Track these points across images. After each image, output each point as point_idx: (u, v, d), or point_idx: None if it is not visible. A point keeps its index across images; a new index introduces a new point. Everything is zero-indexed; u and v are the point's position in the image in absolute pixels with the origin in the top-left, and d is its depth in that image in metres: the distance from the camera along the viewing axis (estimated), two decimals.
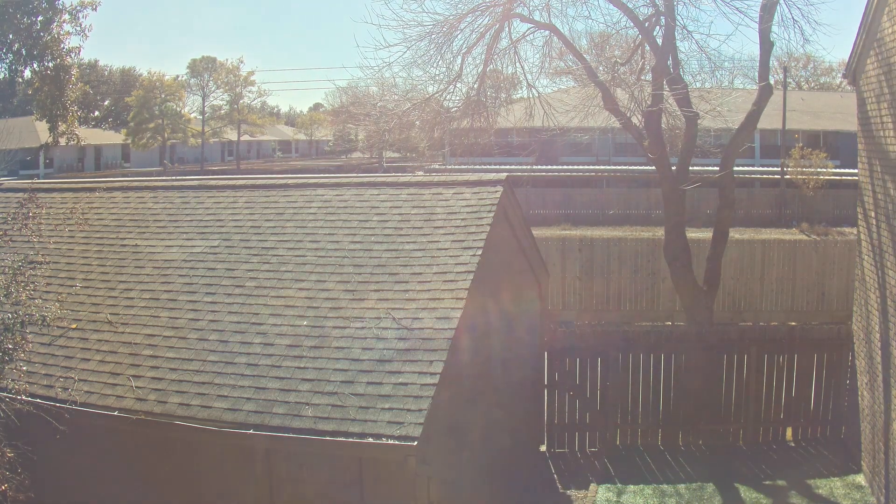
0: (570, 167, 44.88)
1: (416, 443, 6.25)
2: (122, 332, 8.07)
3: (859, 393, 12.21)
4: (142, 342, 7.89)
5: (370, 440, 6.37)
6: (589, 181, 42.92)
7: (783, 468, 12.17)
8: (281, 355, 7.39)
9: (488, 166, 36.37)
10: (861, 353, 12.20)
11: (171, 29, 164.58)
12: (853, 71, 12.52)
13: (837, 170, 37.51)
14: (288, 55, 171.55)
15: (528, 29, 14.48)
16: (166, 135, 64.99)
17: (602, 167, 45.16)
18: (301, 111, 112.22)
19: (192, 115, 71.93)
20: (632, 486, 11.70)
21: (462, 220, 8.77)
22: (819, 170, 35.79)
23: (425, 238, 8.62)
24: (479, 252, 8.16)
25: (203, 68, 71.92)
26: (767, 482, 11.72)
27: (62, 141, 13.93)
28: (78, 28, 13.28)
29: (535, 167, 39.35)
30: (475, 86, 14.20)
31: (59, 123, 13.44)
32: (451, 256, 8.23)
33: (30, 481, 6.40)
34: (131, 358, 7.69)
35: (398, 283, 8.02)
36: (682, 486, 11.68)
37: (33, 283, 7.34)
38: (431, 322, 7.40)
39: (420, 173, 29.43)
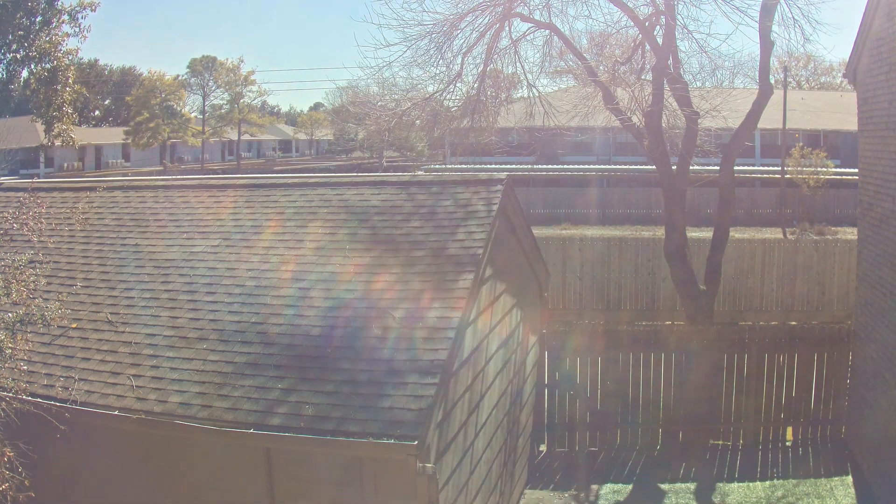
0: (571, 166, 44.92)
1: (416, 443, 6.24)
2: (123, 332, 8.06)
3: (859, 393, 12.21)
4: (142, 342, 7.87)
5: (370, 440, 6.36)
6: (589, 181, 42.96)
7: (783, 468, 12.17)
8: (281, 354, 7.39)
9: (488, 165, 36.39)
10: (861, 352, 12.20)
11: (171, 29, 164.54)
12: (854, 70, 12.52)
13: (838, 169, 37.53)
14: (288, 55, 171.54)
15: (529, 28, 14.48)
16: (166, 134, 64.98)
17: (602, 167, 45.20)
18: (301, 111, 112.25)
19: (193, 115, 71.91)
20: (632, 486, 11.71)
21: (462, 219, 8.76)
22: (819, 169, 35.80)
23: (426, 237, 8.61)
24: (480, 251, 8.16)
25: (203, 68, 71.90)
26: (768, 482, 11.73)
27: (57, 143, 13.91)
28: (77, 29, 13.26)
29: (535, 166, 39.44)
30: (475, 85, 14.19)
31: (55, 125, 13.40)
32: (451, 256, 8.23)
33: (30, 481, 6.39)
34: (132, 357, 7.67)
35: (399, 283, 8.01)
36: (681, 486, 11.69)
37: (33, 282, 7.33)
38: (432, 321, 7.39)
39: (420, 173, 29.42)
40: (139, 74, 78.58)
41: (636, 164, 41.74)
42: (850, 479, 11.73)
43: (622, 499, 11.37)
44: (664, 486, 11.67)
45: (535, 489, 11.69)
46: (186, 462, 7.26)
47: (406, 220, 9.02)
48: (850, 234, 24.80)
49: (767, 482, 11.71)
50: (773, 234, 33.46)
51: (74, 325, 8.14)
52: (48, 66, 13.12)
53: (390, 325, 7.45)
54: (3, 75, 13.83)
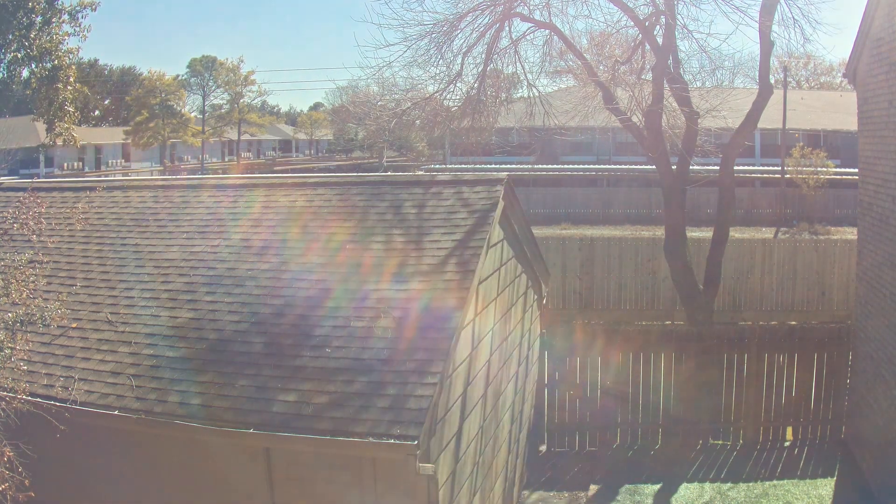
0: (571, 166, 44.91)
1: (416, 442, 6.24)
2: (123, 332, 8.07)
3: (859, 393, 12.21)
4: (142, 342, 7.88)
5: (370, 440, 6.36)
6: (589, 180, 42.97)
7: (783, 468, 12.17)
8: (281, 354, 7.39)
9: (489, 165, 36.45)
10: (861, 352, 12.20)
11: (171, 29, 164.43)
12: (854, 70, 12.52)
13: (837, 169, 37.53)
14: (288, 55, 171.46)
15: (529, 28, 14.47)
16: (166, 134, 64.97)
17: (602, 166, 45.20)
18: (301, 110, 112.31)
19: (193, 115, 71.91)
20: (631, 487, 11.70)
21: (463, 219, 8.76)
22: (819, 169, 35.82)
23: (426, 237, 8.62)
24: (480, 251, 8.16)
25: (203, 68, 71.93)
26: (767, 482, 11.72)
27: (59, 142, 13.88)
28: (77, 28, 13.23)
29: (535, 166, 39.39)
30: (475, 85, 14.17)
31: (56, 124, 13.38)
32: (451, 256, 8.23)
33: (30, 481, 6.39)
34: (132, 357, 7.68)
35: (398, 283, 8.01)
36: (681, 486, 11.69)
37: (33, 282, 7.33)
38: (432, 321, 7.40)
39: (420, 172, 29.44)
40: (139, 74, 78.67)
41: (636, 164, 41.71)
42: (850, 478, 11.72)
43: (621, 499, 11.36)
44: (664, 487, 11.67)
45: (535, 489, 11.69)
46: (186, 462, 7.26)
47: (406, 220, 9.02)
48: (850, 234, 24.79)
49: (768, 482, 11.70)
50: (772, 234, 33.47)
51: (74, 325, 8.14)
52: (49, 65, 13.08)
53: (390, 324, 7.45)
54: (3, 75, 13.79)
